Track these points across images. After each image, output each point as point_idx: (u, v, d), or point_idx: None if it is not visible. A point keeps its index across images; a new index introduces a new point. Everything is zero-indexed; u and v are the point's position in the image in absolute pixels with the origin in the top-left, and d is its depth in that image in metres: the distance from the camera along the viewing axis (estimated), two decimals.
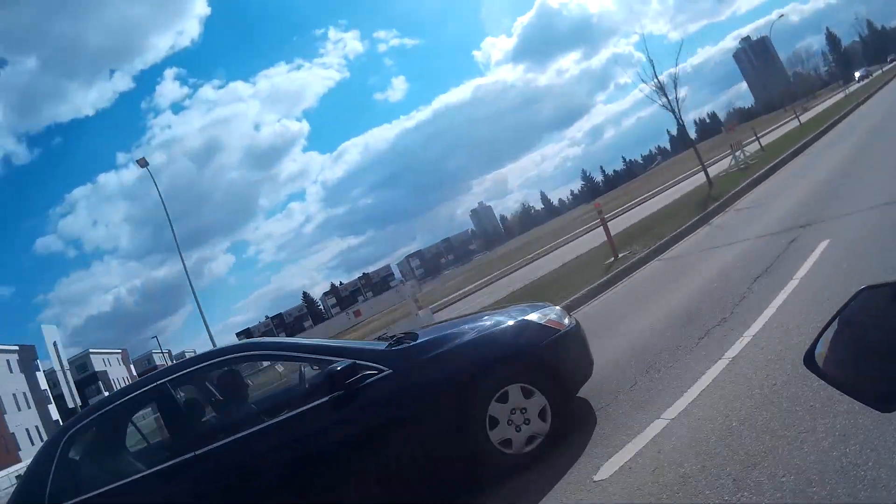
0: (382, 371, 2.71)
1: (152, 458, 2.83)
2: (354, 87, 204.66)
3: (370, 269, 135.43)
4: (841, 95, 33.96)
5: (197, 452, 2.49)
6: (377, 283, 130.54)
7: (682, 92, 13.76)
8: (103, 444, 3.00)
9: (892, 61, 65.95)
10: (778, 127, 30.11)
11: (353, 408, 2.63)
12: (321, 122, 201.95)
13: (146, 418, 3.54)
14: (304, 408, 2.66)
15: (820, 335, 0.68)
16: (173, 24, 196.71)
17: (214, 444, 2.55)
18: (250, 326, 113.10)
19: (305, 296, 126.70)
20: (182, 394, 2.97)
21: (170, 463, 2.61)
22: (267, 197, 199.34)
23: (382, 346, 2.92)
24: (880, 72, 41.10)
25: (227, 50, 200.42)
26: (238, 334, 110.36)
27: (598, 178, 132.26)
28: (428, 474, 2.78)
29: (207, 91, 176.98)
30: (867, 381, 0.64)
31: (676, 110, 13.44)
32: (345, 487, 2.57)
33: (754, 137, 19.35)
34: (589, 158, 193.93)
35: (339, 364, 2.65)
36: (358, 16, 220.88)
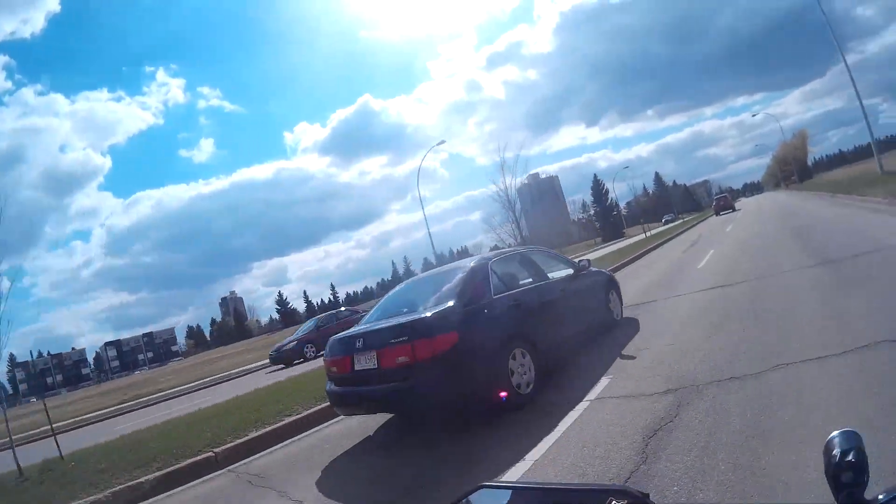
0: (587, 270, 6.21)
1: (526, 279, 5.45)
2: (164, 137, 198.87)
3: (65, 351, 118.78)
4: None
5: (538, 283, 5.43)
6: (69, 367, 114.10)
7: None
8: (505, 268, 5.31)
9: (666, 222, 69.76)
10: None
11: (577, 279, 5.99)
12: (123, 164, 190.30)
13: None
14: (564, 275, 5.92)
15: None
16: (22, 9, 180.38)
17: (545, 280, 5.54)
18: None
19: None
20: (527, 257, 5.86)
21: (537, 283, 5.40)
22: (53, 227, 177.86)
23: (585, 264, 6.33)
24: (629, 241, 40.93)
25: (60, 56, 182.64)
26: None
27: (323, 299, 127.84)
28: (592, 317, 6.14)
29: (29, 94, 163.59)
30: None
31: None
32: (570, 312, 5.68)
33: None
34: (372, 263, 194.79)
35: (583, 263, 6.17)
36: (190, 64, 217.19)
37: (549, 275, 5.83)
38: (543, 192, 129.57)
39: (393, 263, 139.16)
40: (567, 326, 5.45)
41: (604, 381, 4.48)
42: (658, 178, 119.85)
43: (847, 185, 22.40)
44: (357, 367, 4.50)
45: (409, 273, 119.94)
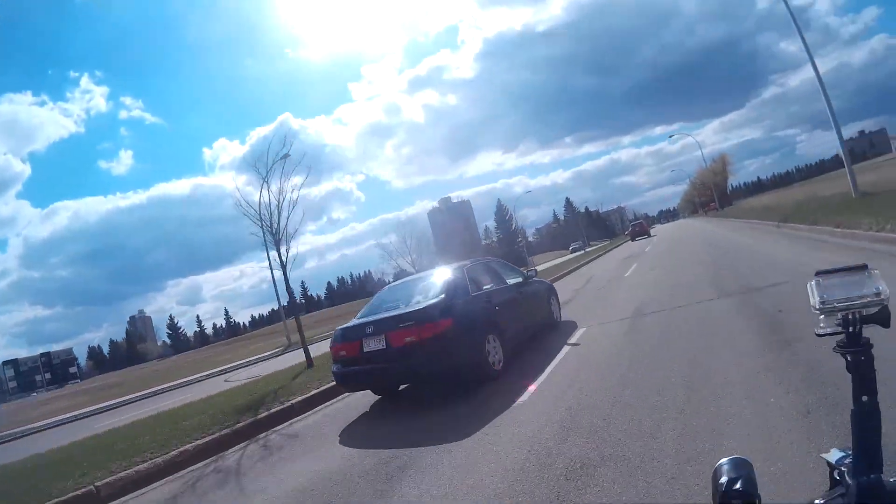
0: (534, 277, 7.67)
1: (490, 283, 6.45)
2: (85, 147, 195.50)
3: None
4: None
5: (500, 286, 6.60)
6: None
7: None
8: (476, 274, 6.39)
9: (573, 251, 67.62)
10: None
11: (528, 285, 7.32)
12: (43, 172, 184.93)
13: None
14: (518, 281, 7.17)
15: None
16: None
17: (504, 284, 6.73)
18: None
19: None
20: (490, 265, 7.08)
21: (499, 286, 6.56)
22: None
23: (532, 273, 7.80)
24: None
25: None
26: None
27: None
28: (539, 316, 7.48)
29: None
30: None
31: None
32: (524, 310, 6.95)
33: None
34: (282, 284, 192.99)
35: (531, 272, 7.59)
36: (115, 72, 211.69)
37: (507, 280, 7.19)
38: (455, 217, 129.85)
39: (288, 290, 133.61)
40: (524, 320, 6.79)
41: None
42: (569, 204, 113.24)
43: (806, 211, 15.54)
44: (366, 350, 5.48)
45: (306, 298, 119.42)
